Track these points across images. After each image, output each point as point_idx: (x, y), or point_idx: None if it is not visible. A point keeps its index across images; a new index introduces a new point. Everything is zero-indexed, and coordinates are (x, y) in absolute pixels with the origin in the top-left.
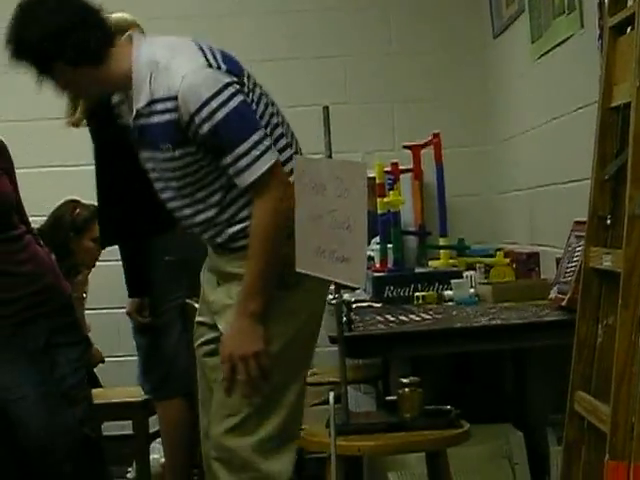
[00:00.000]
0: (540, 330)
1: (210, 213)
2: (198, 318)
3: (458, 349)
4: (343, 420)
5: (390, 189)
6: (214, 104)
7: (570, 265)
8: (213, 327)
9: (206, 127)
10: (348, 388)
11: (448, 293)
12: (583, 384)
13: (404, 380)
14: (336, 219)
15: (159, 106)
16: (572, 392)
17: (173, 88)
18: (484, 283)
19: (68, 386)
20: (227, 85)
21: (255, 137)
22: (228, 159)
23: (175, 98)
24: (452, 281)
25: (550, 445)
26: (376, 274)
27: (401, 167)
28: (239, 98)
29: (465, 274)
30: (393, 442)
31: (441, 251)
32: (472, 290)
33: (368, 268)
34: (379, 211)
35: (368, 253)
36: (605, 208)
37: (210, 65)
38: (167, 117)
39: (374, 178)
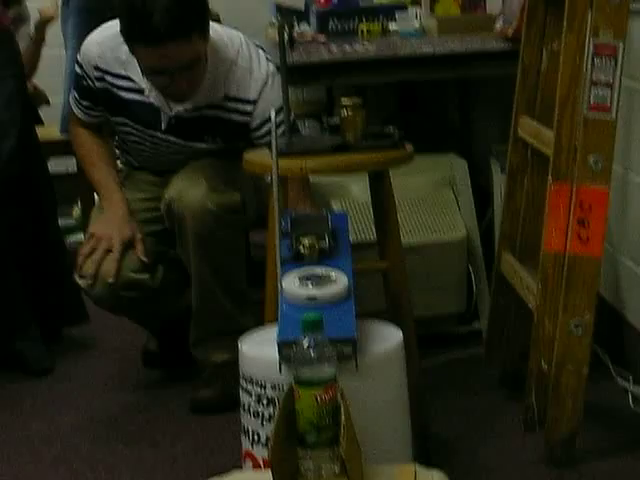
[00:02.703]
0: (485, 59)
1: None
2: None
3: (402, 77)
4: (285, 142)
5: None
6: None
7: None
8: None
9: (265, 128)
10: None
11: (393, 27)
12: (527, 109)
13: (346, 101)
14: None
15: (230, 104)
16: (516, 117)
17: (252, 93)
18: (429, 17)
19: None
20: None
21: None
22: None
23: (253, 102)
24: (397, 14)
25: (494, 173)
26: (320, 8)
27: None
28: None
29: (410, 8)
30: (336, 161)
31: None
32: (417, 24)
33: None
34: None
35: None
36: None
37: (277, 68)
38: (236, 117)
39: None
